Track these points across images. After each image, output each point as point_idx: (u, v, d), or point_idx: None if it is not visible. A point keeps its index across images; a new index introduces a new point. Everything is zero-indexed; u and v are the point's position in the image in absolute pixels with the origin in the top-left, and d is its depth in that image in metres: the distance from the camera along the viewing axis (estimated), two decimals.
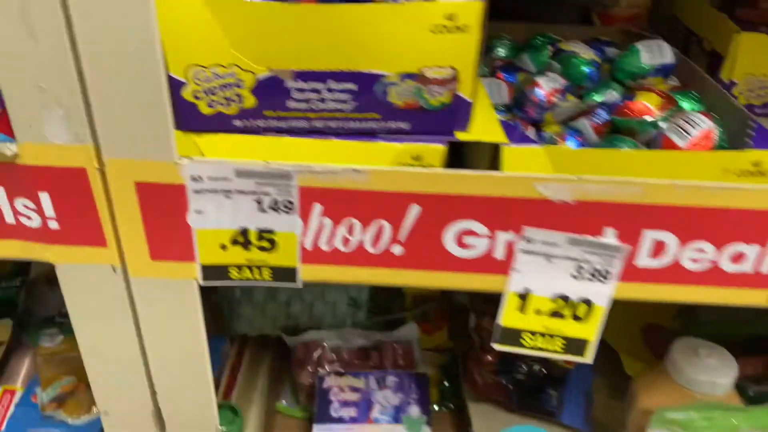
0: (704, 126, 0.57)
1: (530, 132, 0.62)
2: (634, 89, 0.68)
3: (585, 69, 0.68)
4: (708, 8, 0.94)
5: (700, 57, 0.95)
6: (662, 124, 0.61)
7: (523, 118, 0.64)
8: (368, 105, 0.54)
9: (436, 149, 0.55)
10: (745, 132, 0.60)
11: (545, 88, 0.63)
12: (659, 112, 0.60)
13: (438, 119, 0.55)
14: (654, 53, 0.70)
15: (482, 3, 0.49)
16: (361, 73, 0.52)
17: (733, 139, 0.63)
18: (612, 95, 0.70)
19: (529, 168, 0.56)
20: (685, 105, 0.67)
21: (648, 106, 0.61)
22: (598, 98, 0.69)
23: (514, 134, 0.60)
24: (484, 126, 0.57)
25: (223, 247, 0.56)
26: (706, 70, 0.92)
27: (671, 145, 0.58)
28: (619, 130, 0.63)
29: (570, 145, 0.59)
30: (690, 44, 0.98)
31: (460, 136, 0.56)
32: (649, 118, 0.61)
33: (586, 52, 0.69)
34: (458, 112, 0.55)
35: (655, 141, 0.60)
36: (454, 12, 0.50)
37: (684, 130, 0.58)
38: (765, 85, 0.88)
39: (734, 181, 0.54)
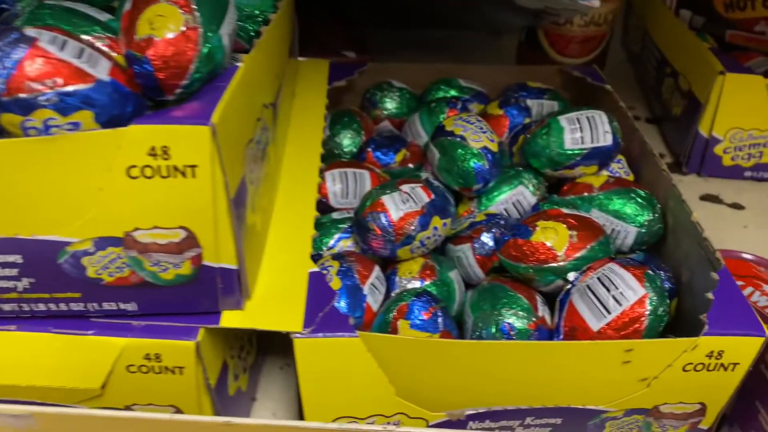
0: (632, 297, 0.35)
1: (374, 278, 0.40)
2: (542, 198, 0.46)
3: (472, 164, 0.45)
4: (684, 31, 0.69)
5: (675, 97, 0.71)
6: (572, 277, 0.38)
7: (366, 251, 0.42)
8: (56, 281, 0.32)
9: (183, 346, 0.33)
10: (705, 278, 0.38)
11: (394, 214, 0.40)
12: (568, 256, 0.38)
13: (178, 297, 0.33)
14: (585, 132, 0.47)
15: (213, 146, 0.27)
16: (26, 239, 0.30)
17: (688, 292, 0.41)
18: (517, 198, 0.47)
19: (333, 365, 0.34)
20: (627, 212, 0.44)
21: (550, 247, 0.38)
22: (491, 207, 0.47)
23: (347, 299, 0.38)
24: (272, 300, 0.35)
25: None
26: (683, 114, 0.70)
27: (577, 322, 0.36)
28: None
29: (417, 311, 0.37)
30: (663, 76, 0.74)
31: (225, 320, 0.34)
32: (553, 265, 0.38)
33: (477, 135, 0.46)
34: (210, 285, 0.33)
35: (561, 304, 0.38)
36: (166, 144, 0.28)
37: (599, 300, 0.35)
38: (757, 141, 0.64)
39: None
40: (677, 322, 0.42)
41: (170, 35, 0.28)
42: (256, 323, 0.34)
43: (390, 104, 0.59)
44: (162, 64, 0.28)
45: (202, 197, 0.29)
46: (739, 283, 0.49)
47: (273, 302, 0.35)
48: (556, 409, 0.37)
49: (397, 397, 0.35)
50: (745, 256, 0.51)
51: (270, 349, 0.48)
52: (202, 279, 0.32)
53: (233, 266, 0.33)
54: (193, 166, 0.29)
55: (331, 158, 0.53)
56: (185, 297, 0.33)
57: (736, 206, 0.63)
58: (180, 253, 0.31)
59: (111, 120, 0.29)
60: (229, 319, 0.34)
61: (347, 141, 0.55)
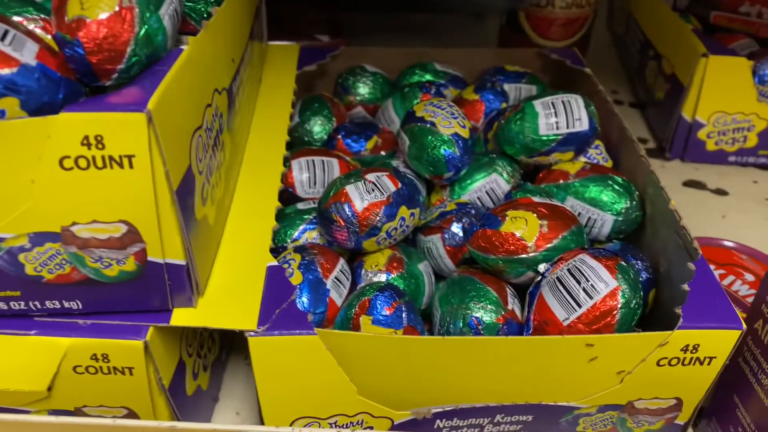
0: (603, 289, 0.33)
1: (338, 271, 0.39)
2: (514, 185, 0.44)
3: (442, 151, 0.43)
4: (667, 12, 0.67)
5: (658, 80, 0.69)
6: (543, 269, 0.37)
7: (331, 243, 0.41)
8: None
9: (131, 346, 0.32)
10: (682, 268, 0.37)
11: (358, 204, 0.38)
12: (538, 247, 0.36)
13: (125, 295, 0.31)
14: (561, 116, 0.45)
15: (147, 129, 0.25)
16: None
17: (666, 283, 0.39)
18: (491, 186, 0.46)
19: (291, 364, 0.33)
20: (603, 199, 0.43)
21: (520, 238, 0.37)
22: (464, 195, 0.45)
23: (308, 293, 0.37)
24: (228, 296, 0.34)
25: None
26: (666, 98, 0.68)
27: (547, 316, 0.34)
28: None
29: (380, 306, 0.35)
30: (647, 59, 0.72)
31: (176, 319, 0.33)
32: (523, 257, 0.37)
33: (448, 121, 0.44)
34: (158, 282, 0.31)
35: (531, 297, 0.36)
36: (100, 133, 0.26)
37: (569, 292, 0.34)
38: (740, 126, 0.62)
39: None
40: (655, 313, 0.40)
41: (103, 16, 0.26)
42: (208, 321, 0.32)
43: (363, 89, 0.57)
44: (94, 47, 0.26)
45: (141, 189, 0.28)
46: (720, 271, 0.48)
47: (227, 299, 0.34)
48: (527, 406, 0.35)
49: (360, 397, 0.34)
50: (726, 243, 0.50)
51: (235, 344, 0.46)
52: (149, 275, 0.31)
53: (181, 261, 0.31)
54: (129, 156, 0.27)
55: (300, 146, 0.51)
56: (133, 294, 0.31)
57: (720, 192, 0.62)
58: (122, 248, 0.29)
59: (41, 108, 0.27)
60: (180, 317, 0.32)
61: (317, 128, 0.53)
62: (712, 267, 0.48)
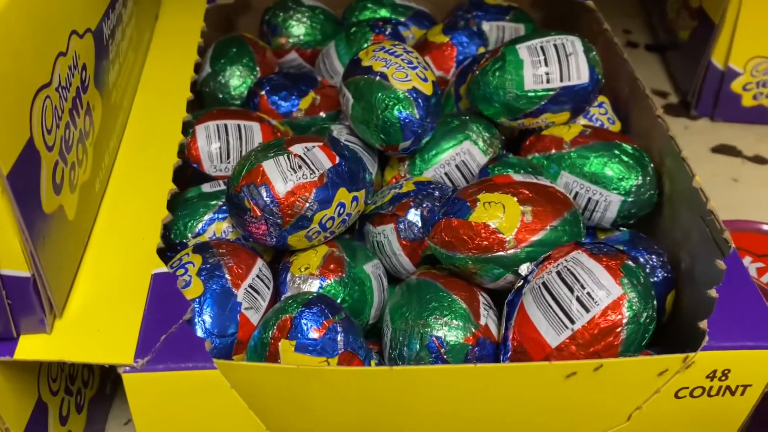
0: (604, 299, 0.31)
1: (253, 277, 0.36)
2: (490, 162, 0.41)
3: (396, 113, 0.40)
4: None
5: (682, 17, 0.68)
6: (525, 271, 0.34)
7: (246, 238, 0.38)
8: None
9: None
10: (710, 266, 0.35)
11: (280, 186, 0.35)
12: (519, 242, 0.34)
13: None
14: (552, 65, 0.43)
15: None
16: None
17: (688, 285, 0.38)
18: (462, 158, 0.43)
19: (182, 407, 0.31)
20: (608, 174, 0.41)
21: (495, 230, 0.34)
22: (428, 171, 0.43)
23: (212, 309, 0.34)
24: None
25: None
26: (692, 39, 0.67)
27: (530, 334, 0.32)
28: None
29: (306, 327, 0.32)
30: None
31: (22, 350, 0.30)
32: (499, 255, 0.34)
33: (404, 72, 0.41)
34: None
35: (510, 309, 0.34)
36: None
37: (559, 303, 0.32)
38: None
39: None
40: (676, 325, 0.39)
41: None
42: (65, 353, 0.30)
43: (298, 29, 0.55)
44: None
45: None
46: (759, 264, 0.47)
47: (95, 321, 0.31)
48: None
49: None
50: (765, 227, 0.48)
51: None
52: None
53: (23, 273, 0.28)
54: None
55: (212, 106, 0.49)
56: None
57: (759, 160, 0.62)
58: None
59: None
60: (28, 347, 0.30)
61: (236, 81, 0.51)
62: (748, 260, 0.48)
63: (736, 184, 0.58)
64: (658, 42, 0.75)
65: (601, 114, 0.47)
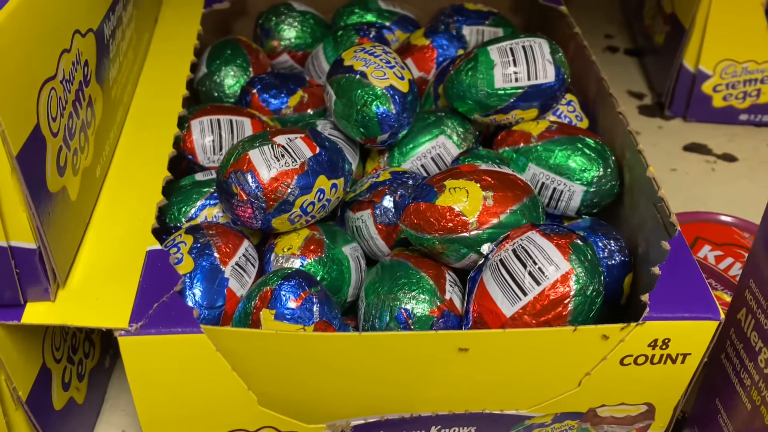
0: (553, 273, 0.34)
1: (239, 256, 0.39)
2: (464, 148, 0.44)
3: (374, 108, 0.43)
4: None
5: (657, 22, 0.70)
6: (486, 250, 0.37)
7: (235, 221, 0.41)
8: None
9: None
10: (659, 248, 0.37)
11: (264, 173, 0.38)
12: (482, 223, 0.37)
13: None
14: (521, 65, 0.45)
15: None
16: None
17: (644, 267, 0.41)
18: (438, 151, 0.46)
19: (173, 369, 0.33)
20: (571, 166, 0.43)
21: (459, 213, 0.37)
22: (406, 163, 0.46)
23: (202, 284, 0.37)
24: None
25: None
26: (666, 43, 0.69)
27: (488, 306, 0.35)
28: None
29: (284, 297, 0.35)
30: None
31: (29, 315, 0.33)
32: (463, 236, 0.37)
33: (382, 71, 0.44)
34: (3, 270, 0.31)
35: (472, 284, 0.37)
36: None
37: (514, 278, 0.34)
38: (753, 77, 0.64)
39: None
40: (632, 304, 0.41)
41: None
42: (68, 318, 0.32)
43: (289, 33, 0.58)
44: None
45: None
46: (717, 252, 0.50)
47: (94, 290, 0.34)
48: (468, 415, 0.36)
49: (262, 408, 0.34)
50: (724, 218, 0.51)
51: None
52: None
53: (30, 245, 0.31)
54: None
55: (209, 103, 0.51)
56: None
57: (728, 157, 0.63)
58: None
59: None
60: (34, 313, 0.33)
61: (230, 80, 0.53)
62: (708, 249, 0.50)
63: (707, 180, 0.60)
64: (636, 46, 0.76)
65: (570, 111, 0.49)
